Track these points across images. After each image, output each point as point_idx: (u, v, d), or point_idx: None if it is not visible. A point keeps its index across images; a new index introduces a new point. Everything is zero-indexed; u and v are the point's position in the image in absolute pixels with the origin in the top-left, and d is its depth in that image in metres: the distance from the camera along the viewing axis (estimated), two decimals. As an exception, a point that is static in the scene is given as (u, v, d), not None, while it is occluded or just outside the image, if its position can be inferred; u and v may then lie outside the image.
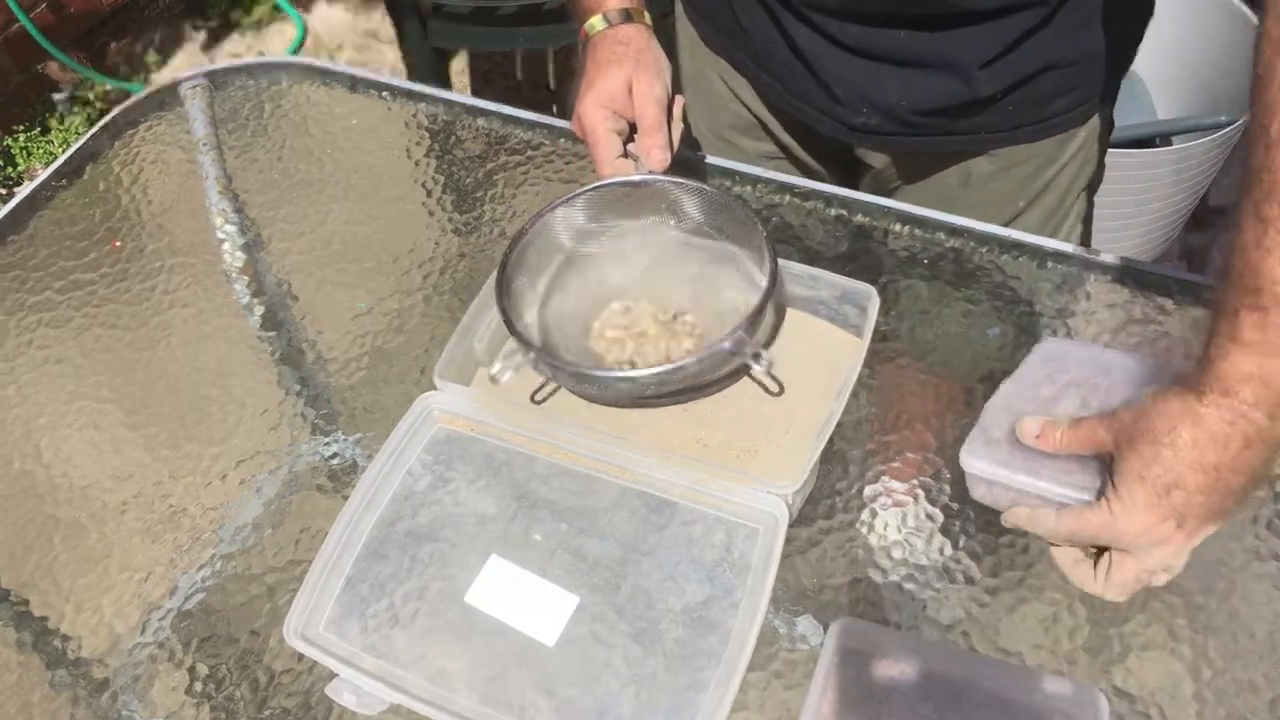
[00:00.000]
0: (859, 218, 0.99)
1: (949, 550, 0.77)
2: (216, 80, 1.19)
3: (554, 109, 2.49)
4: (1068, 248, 0.94)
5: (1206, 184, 1.72)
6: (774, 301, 0.83)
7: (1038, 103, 0.93)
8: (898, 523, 0.78)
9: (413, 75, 2.06)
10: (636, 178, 0.82)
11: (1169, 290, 0.91)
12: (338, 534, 0.75)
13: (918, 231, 0.97)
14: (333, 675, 0.70)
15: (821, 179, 1.11)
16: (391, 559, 0.75)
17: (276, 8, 2.85)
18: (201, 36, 2.81)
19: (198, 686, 0.74)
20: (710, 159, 1.06)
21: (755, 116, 1.09)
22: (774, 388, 0.81)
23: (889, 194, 1.06)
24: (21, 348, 0.96)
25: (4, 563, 0.81)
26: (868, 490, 0.80)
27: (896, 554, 0.77)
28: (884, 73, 0.92)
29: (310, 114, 1.16)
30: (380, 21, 2.82)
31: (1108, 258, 0.93)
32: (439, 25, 1.94)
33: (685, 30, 1.11)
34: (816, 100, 0.99)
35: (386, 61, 2.72)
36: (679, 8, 1.11)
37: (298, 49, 2.76)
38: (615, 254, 0.87)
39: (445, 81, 2.11)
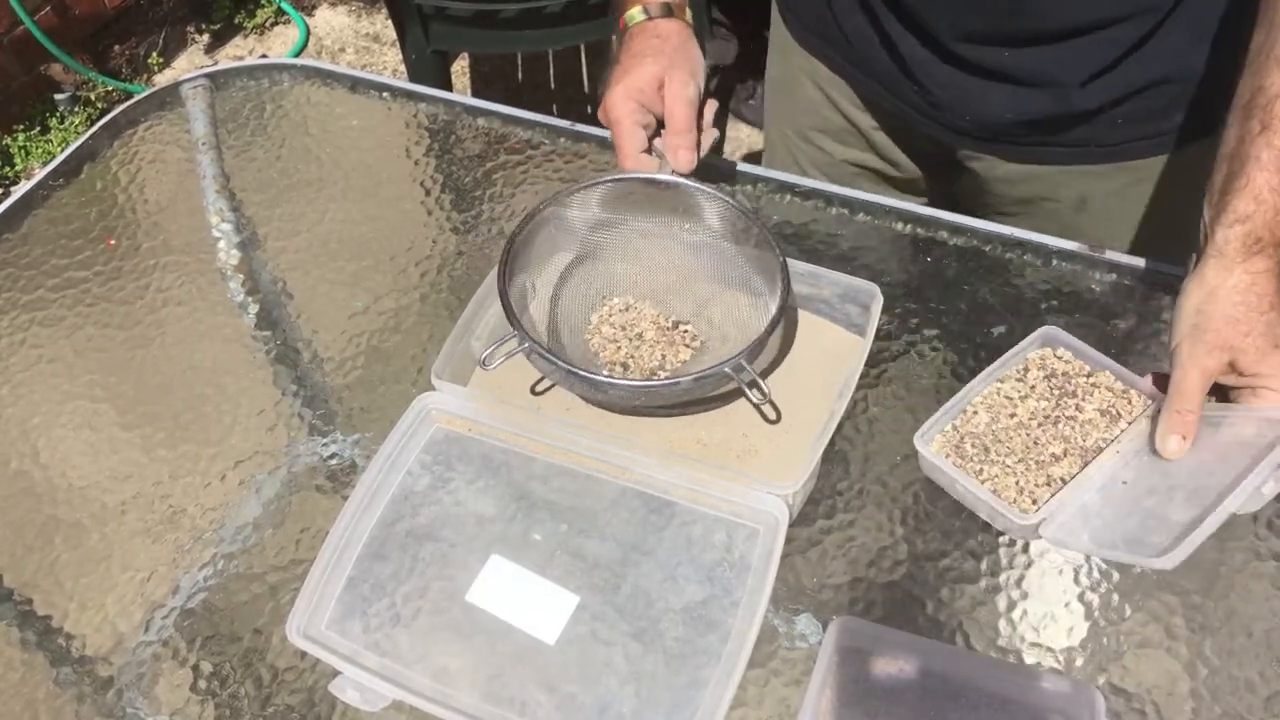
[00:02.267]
0: (860, 216, 0.99)
1: (948, 550, 0.77)
2: (218, 81, 1.20)
3: (554, 110, 2.49)
4: (1071, 246, 0.94)
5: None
6: (781, 331, 0.82)
7: (1148, 118, 0.91)
8: (897, 523, 0.79)
9: (414, 78, 2.06)
10: (659, 176, 0.81)
11: (1176, 289, 0.91)
12: (338, 534, 0.75)
13: (920, 230, 0.98)
14: (335, 673, 0.70)
15: (915, 189, 1.09)
16: (392, 559, 0.76)
17: (279, 11, 2.86)
18: (205, 40, 2.82)
19: (202, 684, 0.74)
20: (741, 168, 1.05)
21: (849, 121, 1.07)
22: (771, 415, 0.80)
23: (989, 217, 1.01)
24: (14, 347, 0.96)
25: (5, 562, 0.82)
26: (868, 490, 0.80)
27: (896, 554, 0.77)
28: (988, 88, 0.91)
29: (310, 114, 1.16)
30: (382, 25, 2.82)
31: (1113, 255, 0.93)
32: (440, 28, 1.94)
33: (779, 32, 1.09)
34: (918, 105, 0.98)
35: (388, 65, 2.72)
36: (774, 10, 1.09)
37: (300, 52, 2.77)
38: (625, 250, 0.86)
39: (446, 84, 2.11)
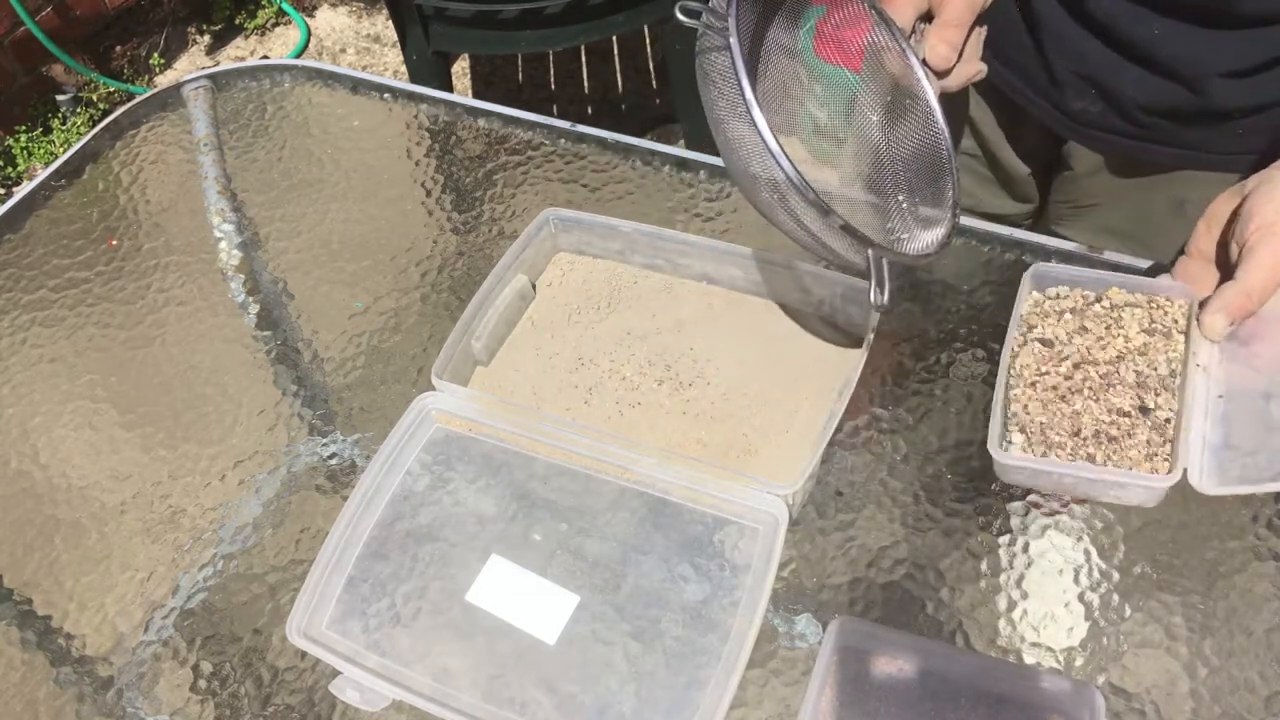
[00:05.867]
0: (858, 218, 0.99)
1: (947, 549, 0.77)
2: (220, 82, 1.20)
3: (554, 110, 2.49)
4: (1069, 246, 0.94)
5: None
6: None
7: (1271, 132, 0.86)
8: (897, 523, 0.79)
9: (415, 79, 2.06)
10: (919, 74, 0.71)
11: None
12: (338, 534, 0.75)
13: (917, 232, 0.98)
14: (335, 673, 0.70)
15: (1016, 185, 1.06)
16: (392, 559, 0.76)
17: (280, 12, 2.86)
18: (205, 40, 2.82)
19: (202, 684, 0.74)
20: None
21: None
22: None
23: (1081, 214, 0.97)
24: (15, 347, 0.96)
25: (5, 562, 0.82)
26: (868, 490, 0.80)
27: (895, 553, 0.77)
28: (1121, 61, 0.86)
29: (312, 115, 1.16)
30: (383, 26, 2.83)
31: (1112, 255, 0.93)
32: (441, 29, 1.94)
33: None
34: (1035, 78, 0.93)
35: (389, 65, 2.72)
36: None
37: (301, 53, 2.77)
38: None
39: (447, 85, 2.11)
